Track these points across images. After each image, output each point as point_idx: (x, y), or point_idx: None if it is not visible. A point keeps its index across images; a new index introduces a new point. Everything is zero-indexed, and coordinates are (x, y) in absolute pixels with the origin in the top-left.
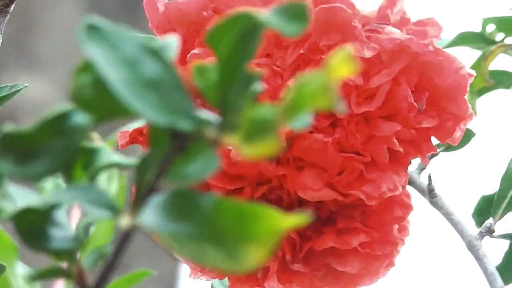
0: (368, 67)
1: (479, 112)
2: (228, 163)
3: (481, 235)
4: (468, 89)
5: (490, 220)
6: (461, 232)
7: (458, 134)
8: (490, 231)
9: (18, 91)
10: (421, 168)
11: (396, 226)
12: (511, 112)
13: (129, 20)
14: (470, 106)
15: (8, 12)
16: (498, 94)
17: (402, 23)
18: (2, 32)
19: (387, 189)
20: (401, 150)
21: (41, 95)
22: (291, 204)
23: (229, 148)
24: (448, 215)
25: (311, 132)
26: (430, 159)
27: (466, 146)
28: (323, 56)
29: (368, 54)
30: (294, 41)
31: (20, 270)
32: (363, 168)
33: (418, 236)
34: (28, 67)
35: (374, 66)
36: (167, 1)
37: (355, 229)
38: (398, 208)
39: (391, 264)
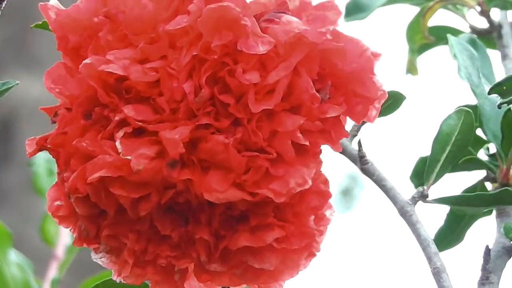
0: (265, 62)
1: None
2: (129, 172)
3: (414, 201)
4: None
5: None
6: (394, 198)
7: (374, 113)
8: (423, 196)
9: (9, 88)
10: (353, 135)
11: (313, 216)
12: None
13: None
14: (380, 85)
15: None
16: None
17: (302, 8)
18: None
19: (295, 184)
20: (307, 143)
21: (41, 95)
22: (201, 206)
23: (129, 157)
24: (380, 182)
25: (213, 133)
26: (361, 126)
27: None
28: (215, 57)
29: (262, 49)
30: (187, 42)
31: (13, 258)
32: (268, 165)
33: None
34: (28, 67)
35: (272, 60)
36: (59, 7)
37: (269, 225)
38: (314, 198)
39: (312, 255)
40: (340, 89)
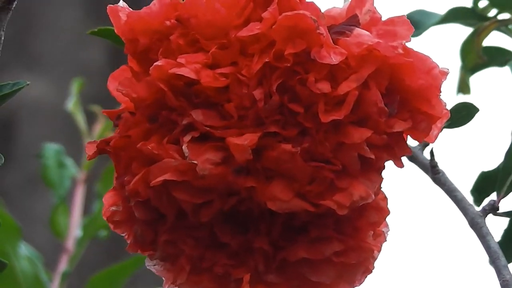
0: (336, 73)
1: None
2: (194, 177)
3: (485, 213)
4: (441, 87)
5: (493, 197)
6: (464, 210)
7: (435, 132)
8: (494, 209)
9: (20, 88)
10: (424, 145)
11: (371, 232)
12: (509, 88)
13: None
14: (445, 104)
15: (10, 9)
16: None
17: (372, 23)
18: (4, 29)
19: (359, 197)
20: (373, 156)
21: (41, 95)
22: (262, 215)
23: (195, 162)
24: (451, 192)
25: (280, 141)
26: None
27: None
28: (288, 65)
29: (335, 60)
30: (259, 49)
31: (23, 251)
32: (333, 177)
33: (421, 213)
34: (28, 67)
35: (342, 71)
36: (129, 9)
37: (329, 238)
38: (373, 213)
39: (368, 271)
40: (406, 105)
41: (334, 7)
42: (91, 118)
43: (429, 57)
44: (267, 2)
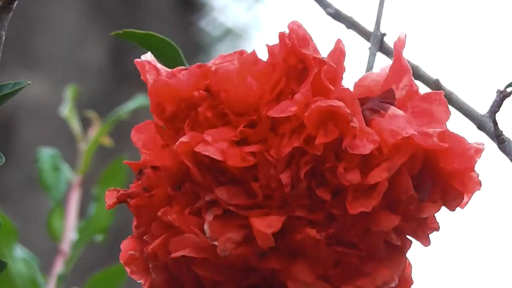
0: (367, 159)
1: None
2: (215, 256)
3: None
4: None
5: None
6: None
7: (465, 200)
8: None
9: (21, 88)
10: (493, 112)
11: None
12: None
13: (129, 21)
14: (478, 178)
15: (11, 9)
16: None
17: (408, 97)
18: (5, 29)
19: (382, 282)
20: (399, 243)
21: (41, 95)
22: None
23: (216, 243)
24: None
25: (305, 224)
26: (502, 101)
27: None
28: (318, 153)
29: (367, 149)
30: (290, 130)
31: (19, 253)
32: (358, 261)
33: (488, 183)
34: (28, 67)
35: (374, 158)
36: (157, 67)
37: None
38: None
39: None
40: (438, 185)
41: (370, 73)
42: (85, 121)
43: (464, 138)
44: (300, 77)
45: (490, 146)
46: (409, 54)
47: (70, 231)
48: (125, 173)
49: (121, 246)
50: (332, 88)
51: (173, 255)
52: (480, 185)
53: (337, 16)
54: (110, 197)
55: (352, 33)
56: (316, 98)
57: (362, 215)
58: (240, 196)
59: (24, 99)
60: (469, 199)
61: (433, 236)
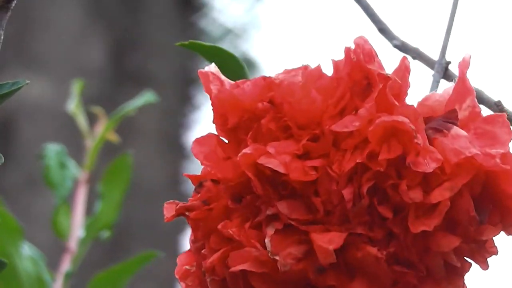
0: (429, 177)
1: None
2: (274, 269)
3: None
4: None
5: None
6: None
7: None
8: None
9: (19, 88)
10: None
11: None
12: None
13: (129, 21)
14: None
15: (9, 8)
16: None
17: (471, 118)
18: (4, 29)
19: None
20: (459, 265)
21: (41, 94)
22: None
23: (277, 257)
24: None
25: (365, 242)
26: None
27: None
28: (381, 170)
29: (430, 167)
30: (352, 145)
31: (26, 251)
32: (417, 282)
33: None
34: (28, 67)
35: (436, 177)
36: (220, 78)
37: None
38: None
39: None
40: (498, 208)
41: (433, 93)
42: (90, 119)
43: None
44: (364, 93)
45: None
46: (472, 78)
47: (77, 228)
48: (130, 170)
49: (177, 260)
50: (397, 104)
51: (232, 269)
52: None
53: (404, 48)
54: (168, 210)
55: (418, 64)
56: (380, 114)
57: (423, 235)
58: (301, 210)
59: (25, 98)
60: None
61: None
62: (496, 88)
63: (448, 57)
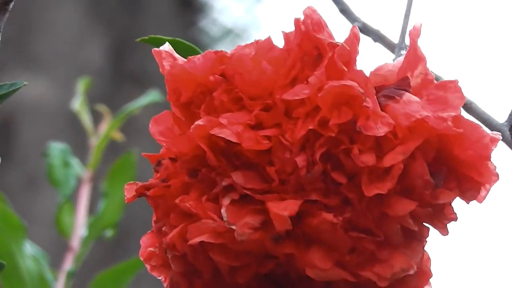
0: (382, 142)
1: None
2: (232, 240)
3: None
4: (491, 156)
5: None
6: None
7: (484, 193)
8: None
9: (17, 89)
10: (511, 120)
11: None
12: None
13: (129, 21)
14: (494, 169)
15: (7, 10)
16: None
17: (423, 85)
18: (1, 30)
19: (400, 269)
20: (416, 229)
21: (41, 95)
22: (300, 279)
23: (233, 227)
24: None
25: (321, 209)
26: None
27: None
28: (333, 135)
29: (381, 131)
30: (304, 113)
31: (28, 250)
32: (374, 247)
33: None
34: (28, 67)
35: (389, 141)
36: (174, 56)
37: None
38: (415, 278)
39: None
40: (453, 173)
41: (386, 63)
42: (92, 117)
43: (479, 125)
44: (315, 63)
45: (509, 154)
46: (431, 64)
47: (80, 227)
48: (134, 168)
49: (141, 242)
50: (346, 70)
51: (190, 241)
52: (497, 177)
53: (365, 29)
54: (129, 191)
55: (379, 46)
56: (330, 81)
57: (378, 200)
58: (256, 180)
59: (24, 99)
60: (487, 192)
61: (451, 226)
62: (452, 70)
63: (408, 41)
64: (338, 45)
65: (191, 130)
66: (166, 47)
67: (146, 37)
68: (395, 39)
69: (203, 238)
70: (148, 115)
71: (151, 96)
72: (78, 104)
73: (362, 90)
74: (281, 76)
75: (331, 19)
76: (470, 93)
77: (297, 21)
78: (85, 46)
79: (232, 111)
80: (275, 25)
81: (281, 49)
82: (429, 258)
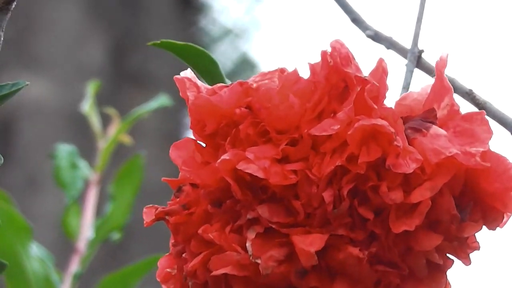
0: (409, 178)
1: None
2: (255, 273)
3: None
4: None
5: None
6: None
7: (505, 220)
8: None
9: (19, 89)
10: None
11: None
12: None
13: (129, 21)
14: None
15: (9, 10)
16: None
17: (449, 117)
18: (4, 30)
19: None
20: (441, 263)
21: (41, 95)
22: None
23: (258, 261)
24: None
25: (346, 243)
26: None
27: None
28: (361, 172)
29: (411, 168)
30: (331, 148)
31: (34, 251)
32: (399, 281)
33: None
34: (28, 67)
35: (417, 177)
36: (197, 84)
37: None
38: None
39: None
40: (479, 205)
41: (411, 92)
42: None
43: (505, 158)
44: (342, 96)
45: None
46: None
47: (86, 229)
48: (142, 172)
49: (158, 264)
50: (375, 107)
51: (214, 272)
52: None
53: (377, 37)
54: (148, 215)
55: (391, 53)
56: (359, 117)
57: (404, 235)
58: (281, 214)
59: (25, 99)
60: (508, 218)
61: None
62: (468, 77)
63: (420, 46)
64: (366, 80)
65: (217, 165)
66: (188, 73)
67: (158, 41)
68: (406, 44)
69: (227, 270)
70: (152, 117)
71: (160, 101)
72: (87, 107)
73: (392, 130)
74: (308, 110)
75: (341, 27)
76: (485, 93)
77: (324, 54)
78: (86, 46)
79: (258, 144)
80: (274, 25)
81: (307, 81)
82: (449, 284)
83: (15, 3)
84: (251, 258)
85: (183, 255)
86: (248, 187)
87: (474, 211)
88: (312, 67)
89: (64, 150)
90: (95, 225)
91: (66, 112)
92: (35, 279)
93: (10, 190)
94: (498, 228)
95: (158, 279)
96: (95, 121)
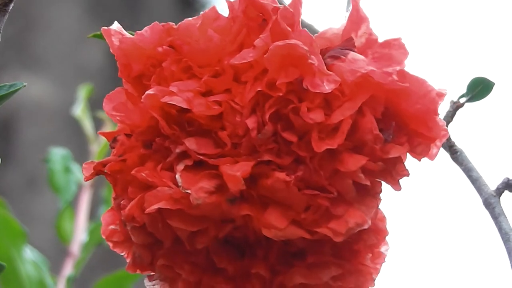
0: (330, 100)
1: None
2: (188, 205)
3: (499, 192)
4: (438, 110)
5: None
6: (479, 189)
7: (435, 151)
8: (508, 186)
9: (17, 90)
10: (446, 122)
11: (370, 254)
12: None
13: (129, 20)
14: (443, 124)
15: (7, 11)
16: None
17: (368, 45)
18: (1, 31)
19: (354, 224)
20: (368, 183)
21: (41, 95)
22: (258, 240)
23: (189, 192)
24: (467, 171)
25: (274, 169)
26: (455, 112)
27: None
28: (281, 95)
29: (328, 88)
30: (252, 76)
31: (28, 255)
32: (328, 204)
33: (440, 193)
34: (28, 67)
35: (336, 98)
36: (122, 33)
37: (326, 262)
38: (371, 236)
39: None
40: (403, 128)
41: (330, 27)
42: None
43: (425, 80)
44: (260, 28)
45: (443, 157)
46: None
47: (80, 233)
48: None
49: (102, 220)
50: (290, 30)
51: (148, 209)
52: (446, 132)
53: None
54: (87, 169)
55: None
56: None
57: (329, 157)
58: (209, 145)
59: (25, 99)
60: (438, 149)
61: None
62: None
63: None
64: (280, 7)
65: (142, 100)
66: (115, 25)
67: (98, 33)
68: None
69: (160, 205)
70: None
71: None
72: (79, 110)
73: (306, 48)
74: (228, 43)
75: None
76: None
77: None
78: (85, 46)
79: (182, 80)
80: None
81: (227, 17)
82: (384, 217)
83: (12, 4)
84: (181, 190)
85: (122, 202)
86: (175, 122)
87: (399, 135)
88: (231, 4)
89: (58, 153)
90: (89, 229)
91: (66, 113)
92: (29, 282)
93: (9, 190)
94: (428, 160)
95: (103, 236)
96: (87, 125)
